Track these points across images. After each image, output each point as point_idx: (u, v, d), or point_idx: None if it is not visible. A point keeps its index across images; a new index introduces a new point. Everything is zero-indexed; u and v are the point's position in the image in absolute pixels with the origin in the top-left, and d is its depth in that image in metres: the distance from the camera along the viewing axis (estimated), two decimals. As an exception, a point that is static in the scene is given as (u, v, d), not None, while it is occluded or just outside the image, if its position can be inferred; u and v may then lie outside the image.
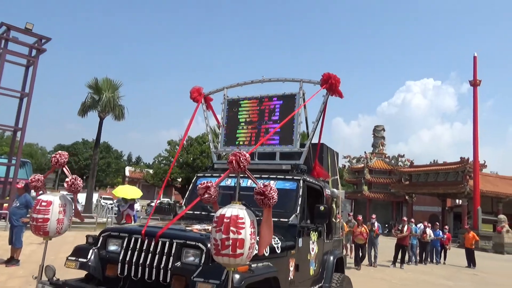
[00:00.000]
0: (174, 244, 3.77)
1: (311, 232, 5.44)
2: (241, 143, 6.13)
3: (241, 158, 3.30)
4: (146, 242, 3.90)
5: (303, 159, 5.69)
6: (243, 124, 6.19)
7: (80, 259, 4.08)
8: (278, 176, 5.40)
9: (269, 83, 6.21)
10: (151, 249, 3.85)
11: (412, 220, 18.22)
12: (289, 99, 5.90)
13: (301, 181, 5.26)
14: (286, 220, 4.94)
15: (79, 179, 4.15)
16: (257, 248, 3.34)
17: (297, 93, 5.85)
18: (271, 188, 3.25)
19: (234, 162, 3.31)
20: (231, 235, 3.09)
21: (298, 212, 5.00)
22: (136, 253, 3.90)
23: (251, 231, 3.16)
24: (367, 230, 13.38)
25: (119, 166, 70.44)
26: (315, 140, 6.24)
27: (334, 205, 6.99)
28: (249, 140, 6.10)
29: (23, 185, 9.31)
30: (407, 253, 15.11)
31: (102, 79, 25.73)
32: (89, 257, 4.08)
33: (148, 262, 3.79)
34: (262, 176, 5.42)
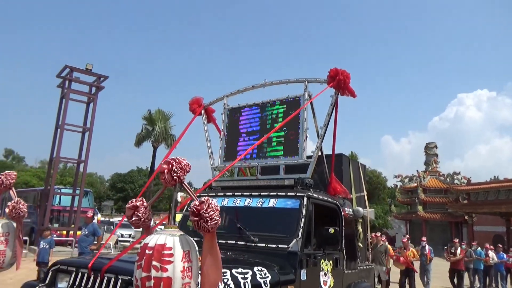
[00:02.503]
0: (119, 281, 2.74)
1: (322, 261, 4.15)
2: (242, 155, 5.06)
3: (174, 167, 2.24)
4: (92, 278, 2.94)
5: (310, 172, 4.49)
6: (244, 134, 5.13)
7: None
8: (279, 194, 4.24)
9: (274, 89, 5.14)
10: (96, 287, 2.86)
11: (474, 242, 15.55)
12: (294, 103, 4.78)
13: (304, 198, 4.05)
14: (285, 246, 3.74)
15: (23, 203, 3.31)
16: (198, 291, 2.21)
17: (302, 95, 4.72)
18: (208, 206, 2.14)
19: (166, 172, 2.25)
20: (153, 273, 2.01)
21: (300, 236, 3.78)
22: (81, 292, 2.93)
23: (183, 267, 2.05)
24: (415, 254, 11.35)
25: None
26: (328, 150, 5.01)
27: (359, 227, 5.60)
28: (251, 152, 5.02)
29: (91, 214, 9.58)
30: (467, 279, 12.70)
31: (154, 110, 26.12)
32: None
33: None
34: (261, 194, 4.30)
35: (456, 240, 13.55)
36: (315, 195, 4.28)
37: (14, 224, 3.40)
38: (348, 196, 5.17)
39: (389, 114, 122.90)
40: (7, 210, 3.28)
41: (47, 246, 9.30)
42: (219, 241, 4.23)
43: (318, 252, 4.05)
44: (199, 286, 2.18)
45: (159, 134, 24.86)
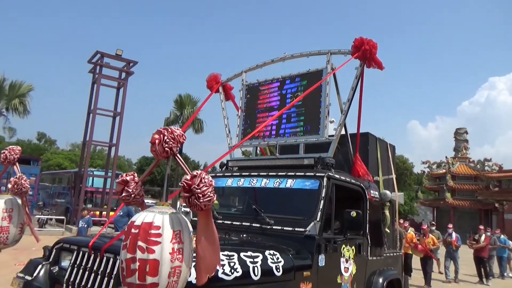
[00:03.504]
0: (118, 261, 2.46)
1: (343, 246, 3.73)
2: (261, 134, 4.67)
3: (166, 137, 1.89)
4: (92, 257, 2.68)
5: (332, 151, 4.05)
6: (262, 112, 4.73)
7: (26, 277, 2.99)
8: (297, 174, 3.84)
9: (294, 63, 4.68)
10: (95, 267, 2.61)
11: (497, 231, 14.58)
12: (315, 77, 4.32)
13: (324, 179, 3.63)
14: (302, 229, 3.36)
15: (25, 178, 3.08)
16: (191, 275, 1.87)
17: (324, 68, 4.24)
18: (201, 180, 1.78)
19: (157, 143, 1.90)
20: (139, 254, 1.68)
21: (318, 219, 3.38)
22: (80, 271, 2.69)
23: (172, 248, 1.72)
24: (434, 242, 10.64)
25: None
26: (353, 128, 4.54)
27: (387, 212, 5.12)
28: (269, 130, 4.61)
29: None
30: (496, 267, 11.91)
31: (183, 95, 26.04)
32: (35, 274, 2.97)
33: (92, 285, 2.55)
34: (279, 174, 3.91)
35: (482, 227, 12.73)
36: (337, 176, 3.85)
37: (19, 200, 3.19)
38: (370, 179, 4.66)
39: (416, 99, 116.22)
40: (9, 185, 3.07)
41: (85, 225, 9.59)
42: (234, 222, 3.95)
43: (338, 237, 3.64)
44: (193, 270, 1.84)
45: (187, 118, 24.80)
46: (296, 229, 3.43)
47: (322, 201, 3.48)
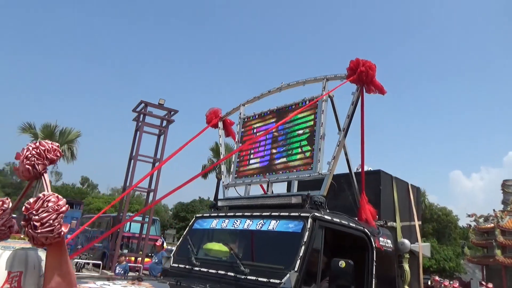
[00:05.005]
0: None
1: None
2: (255, 172, 4.06)
3: (29, 153, 1.37)
4: None
5: (324, 188, 3.33)
6: (257, 146, 4.15)
7: None
8: (281, 214, 3.14)
9: (292, 92, 4.15)
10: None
11: None
12: (311, 106, 3.71)
13: (309, 220, 2.89)
14: (277, 281, 2.60)
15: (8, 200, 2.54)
16: None
17: (319, 95, 3.65)
18: (42, 204, 1.20)
19: (20, 161, 1.38)
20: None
21: (296, 269, 2.62)
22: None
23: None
24: None
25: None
26: (356, 164, 3.80)
27: (406, 265, 4.14)
28: (273, 167, 3.99)
29: (160, 243, 9.54)
30: None
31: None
32: None
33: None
34: (263, 214, 3.25)
35: None
36: (327, 217, 3.09)
37: (41, 254, 2.23)
38: (373, 224, 3.77)
39: (458, 147, 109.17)
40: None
41: (123, 272, 9.26)
42: (210, 270, 3.28)
43: None
44: None
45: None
46: (271, 280, 2.68)
47: (303, 247, 2.73)
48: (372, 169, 4.29)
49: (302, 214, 3.04)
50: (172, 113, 20.67)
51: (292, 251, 2.80)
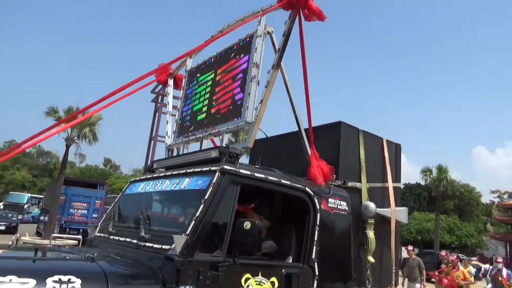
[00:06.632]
0: None
1: (246, 276, 2.25)
2: (196, 128, 3.44)
3: None
4: None
5: (250, 139, 2.68)
6: (201, 100, 3.51)
7: None
8: (195, 170, 2.53)
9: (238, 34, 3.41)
10: None
11: None
12: (248, 46, 3.01)
13: (216, 174, 2.25)
14: (168, 247, 2.02)
15: None
16: None
17: (254, 32, 2.93)
18: None
19: None
20: None
21: (188, 232, 2.01)
22: None
23: None
24: (466, 276, 7.82)
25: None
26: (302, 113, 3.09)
27: (370, 232, 3.40)
28: (207, 121, 3.36)
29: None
30: None
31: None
32: None
33: None
34: (180, 173, 2.66)
35: None
36: (244, 172, 2.43)
37: None
38: (321, 183, 3.04)
39: (481, 123, 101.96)
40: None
41: None
42: (120, 238, 2.74)
43: (226, 261, 2.16)
44: None
45: (242, 142, 24.19)
46: (163, 247, 2.09)
47: (202, 206, 2.11)
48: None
49: (212, 168, 2.44)
50: (189, 93, 20.30)
51: (190, 212, 2.20)
